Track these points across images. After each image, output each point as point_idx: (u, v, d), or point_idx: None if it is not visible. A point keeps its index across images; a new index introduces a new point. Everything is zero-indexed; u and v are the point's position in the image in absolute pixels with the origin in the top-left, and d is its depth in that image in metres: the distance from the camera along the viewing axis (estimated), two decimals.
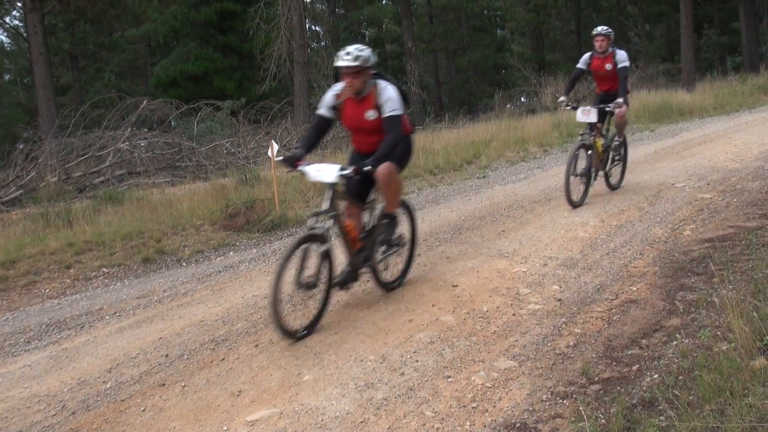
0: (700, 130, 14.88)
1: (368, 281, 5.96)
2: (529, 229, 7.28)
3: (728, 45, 36.53)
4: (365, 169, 4.83)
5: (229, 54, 29.04)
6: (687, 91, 22.98)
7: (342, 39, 34.65)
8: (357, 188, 5.29)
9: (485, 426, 3.57)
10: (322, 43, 36.54)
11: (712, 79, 27.76)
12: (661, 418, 3.30)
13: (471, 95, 35.40)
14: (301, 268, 4.70)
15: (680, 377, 3.65)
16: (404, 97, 5.20)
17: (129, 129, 14.30)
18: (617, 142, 8.75)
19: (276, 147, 9.45)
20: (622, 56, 8.42)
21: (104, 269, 7.39)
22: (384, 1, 38.23)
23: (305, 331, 4.80)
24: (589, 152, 8.19)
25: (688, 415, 3.17)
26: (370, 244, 5.35)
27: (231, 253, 7.85)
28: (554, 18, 39.69)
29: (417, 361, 4.32)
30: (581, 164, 8.15)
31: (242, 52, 28.75)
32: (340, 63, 4.91)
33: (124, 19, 32.71)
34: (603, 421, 3.46)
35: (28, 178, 12.54)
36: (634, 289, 5.37)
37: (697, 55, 30.56)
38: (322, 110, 5.25)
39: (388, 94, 5.04)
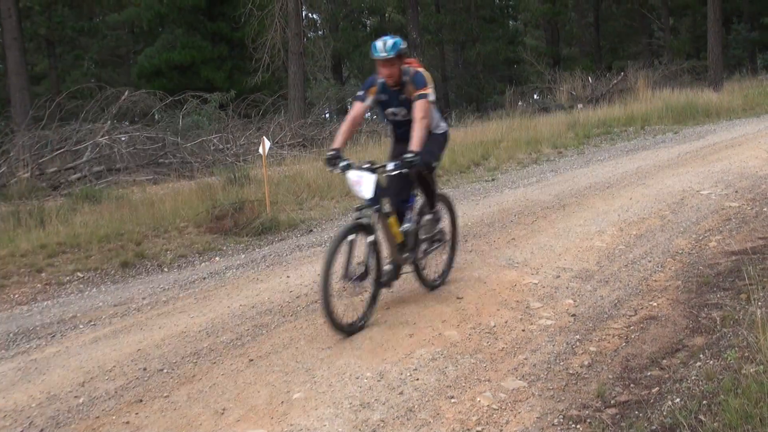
0: (727, 132, 14.87)
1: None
2: (542, 238, 7.27)
3: (759, 41, 36.51)
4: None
5: (219, 42, 29.01)
6: (714, 90, 22.98)
7: (341, 28, 34.73)
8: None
9: None
10: (320, 33, 36.66)
11: (741, 77, 27.78)
12: None
13: (480, 91, 35.39)
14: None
15: (704, 402, 3.63)
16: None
17: (109, 122, 14.31)
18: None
19: (268, 144, 9.44)
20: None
21: (79, 274, 7.36)
22: None
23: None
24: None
25: None
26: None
27: (217, 258, 7.83)
28: (571, 9, 39.72)
29: (417, 379, 4.30)
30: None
31: (233, 41, 28.73)
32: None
33: (106, 3, 32.78)
34: None
35: None
36: (655, 304, 5.35)
37: (725, 52, 30.53)
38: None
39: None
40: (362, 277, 5.06)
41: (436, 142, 5.65)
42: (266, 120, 18.41)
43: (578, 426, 3.71)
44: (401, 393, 4.14)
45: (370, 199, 5.06)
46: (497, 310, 5.35)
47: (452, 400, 4.04)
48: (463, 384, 4.23)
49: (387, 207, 5.28)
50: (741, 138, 13.55)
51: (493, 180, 11.41)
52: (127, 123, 15.78)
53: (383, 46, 5.26)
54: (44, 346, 5.40)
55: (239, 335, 5.24)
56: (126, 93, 15.81)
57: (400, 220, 5.43)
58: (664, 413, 3.66)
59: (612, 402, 3.95)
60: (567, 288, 5.78)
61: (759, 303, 4.78)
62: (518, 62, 38.99)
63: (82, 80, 29.58)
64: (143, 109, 16.91)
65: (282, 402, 4.11)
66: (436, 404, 4.00)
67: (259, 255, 7.75)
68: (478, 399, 4.04)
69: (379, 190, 5.13)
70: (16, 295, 6.85)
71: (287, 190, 10.43)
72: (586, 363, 4.45)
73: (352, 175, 5.13)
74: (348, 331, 4.94)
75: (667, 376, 4.16)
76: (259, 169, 11.23)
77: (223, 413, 4.03)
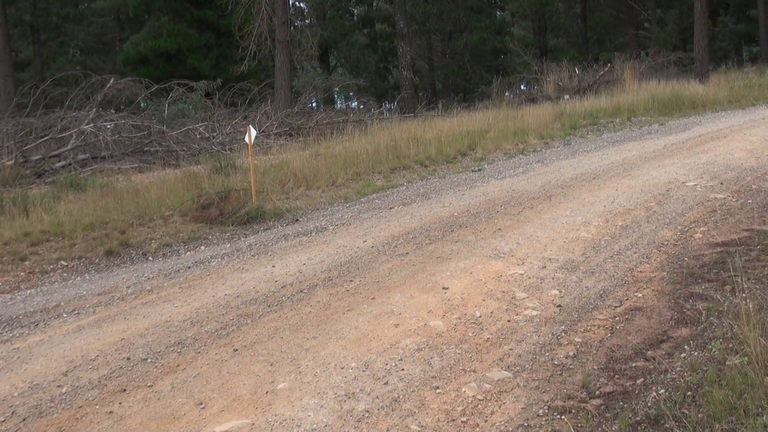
0: (713, 124, 14.92)
1: (350, 280, 5.92)
2: (528, 228, 7.26)
3: (745, 33, 36.64)
4: None
5: (205, 30, 28.80)
6: (700, 82, 23.05)
7: (328, 17, 34.54)
8: None
9: None
10: (307, 21, 36.46)
11: (727, 69, 27.86)
12: None
13: (467, 81, 35.30)
14: None
15: (689, 393, 3.64)
16: None
17: (94, 109, 14.17)
18: None
19: (254, 133, 9.40)
20: None
21: (63, 262, 7.31)
22: None
23: None
24: None
25: None
26: None
27: (202, 247, 7.79)
28: (558, 0, 39.68)
29: (402, 369, 4.29)
30: None
31: (219, 29, 28.51)
32: None
33: None
34: None
35: None
36: (640, 295, 5.35)
37: (711, 44, 30.62)
38: None
39: None
40: None
41: None
42: (252, 109, 18.33)
43: (563, 416, 3.71)
44: (386, 383, 4.13)
45: None
46: (483, 301, 5.34)
47: (437, 391, 4.03)
48: (449, 374, 4.22)
49: None
50: (726, 130, 13.60)
51: (479, 170, 11.41)
52: (112, 111, 15.65)
53: None
54: (27, 335, 5.36)
55: (224, 325, 5.21)
56: (111, 80, 15.65)
57: None
58: (649, 404, 3.67)
59: (597, 393, 3.95)
60: (553, 278, 5.78)
61: (744, 294, 4.80)
62: (505, 52, 38.91)
63: (67, 67, 29.38)
64: (129, 97, 16.78)
65: (266, 392, 4.09)
66: (421, 394, 3.99)
67: (244, 244, 7.71)
68: (464, 389, 4.03)
69: None
70: None
71: (273, 179, 10.38)
72: (571, 354, 4.45)
73: None
74: None
75: (651, 367, 4.16)
76: (245, 158, 11.18)
77: (206, 403, 4.01)
